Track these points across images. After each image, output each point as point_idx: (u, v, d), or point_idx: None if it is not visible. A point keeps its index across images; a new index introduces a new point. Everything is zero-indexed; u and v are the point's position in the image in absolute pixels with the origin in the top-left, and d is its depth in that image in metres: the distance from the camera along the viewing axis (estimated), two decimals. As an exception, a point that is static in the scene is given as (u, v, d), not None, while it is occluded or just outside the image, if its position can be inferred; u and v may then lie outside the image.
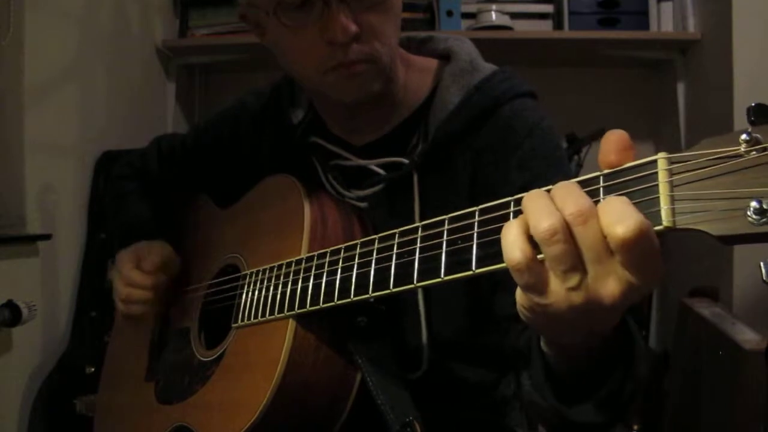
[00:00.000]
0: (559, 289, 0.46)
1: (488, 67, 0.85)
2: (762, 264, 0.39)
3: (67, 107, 1.62)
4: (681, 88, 2.10)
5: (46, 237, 1.49)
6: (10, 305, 1.31)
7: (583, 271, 0.45)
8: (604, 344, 0.55)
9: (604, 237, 0.42)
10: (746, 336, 1.47)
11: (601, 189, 0.45)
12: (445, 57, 0.88)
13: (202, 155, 1.04)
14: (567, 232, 0.43)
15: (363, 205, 0.87)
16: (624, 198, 0.43)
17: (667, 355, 2.08)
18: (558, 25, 2.14)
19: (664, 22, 2.11)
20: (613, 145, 0.45)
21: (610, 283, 0.44)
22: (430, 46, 0.92)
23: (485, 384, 0.89)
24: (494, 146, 0.81)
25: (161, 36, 2.13)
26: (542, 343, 0.60)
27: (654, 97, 2.34)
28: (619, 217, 0.41)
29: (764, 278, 0.39)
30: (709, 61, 1.97)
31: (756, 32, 1.77)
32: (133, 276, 0.93)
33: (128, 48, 1.95)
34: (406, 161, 0.84)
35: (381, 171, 0.86)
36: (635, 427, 2.04)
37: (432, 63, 0.90)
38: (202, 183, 1.07)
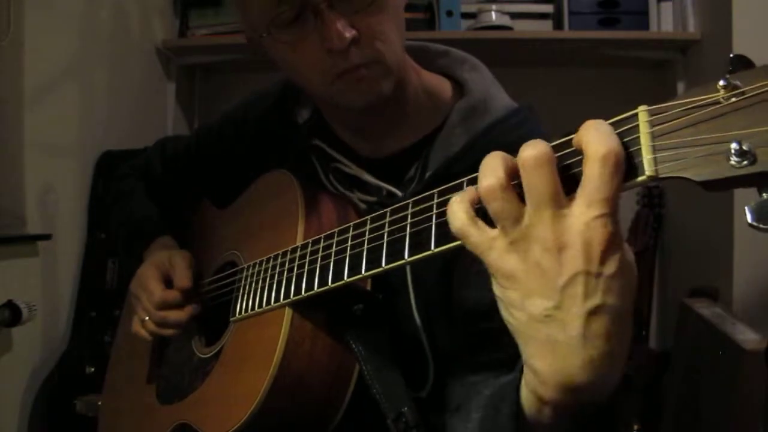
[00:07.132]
0: (500, 244, 0.46)
1: (502, 108, 0.81)
2: (747, 208, 0.38)
3: (67, 107, 1.62)
4: (681, 88, 2.10)
5: (46, 237, 1.49)
6: (10, 305, 1.31)
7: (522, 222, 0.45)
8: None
9: (555, 182, 0.44)
10: (746, 336, 1.47)
11: None
12: (461, 85, 0.85)
13: (208, 156, 1.03)
14: (507, 189, 0.45)
15: (362, 206, 0.86)
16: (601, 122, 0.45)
17: (667, 355, 2.07)
18: (558, 25, 2.14)
19: (664, 22, 2.10)
20: None
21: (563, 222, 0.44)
22: (444, 62, 0.89)
23: None
24: None
25: (161, 36, 2.13)
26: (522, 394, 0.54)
27: (654, 97, 2.32)
28: (597, 139, 0.44)
29: (749, 221, 0.38)
30: (709, 61, 1.97)
31: (756, 32, 1.76)
32: (168, 297, 0.89)
33: (128, 48, 1.96)
34: (399, 194, 0.82)
35: (380, 185, 0.84)
36: (635, 427, 2.04)
37: (446, 87, 0.87)
38: (208, 185, 1.06)
